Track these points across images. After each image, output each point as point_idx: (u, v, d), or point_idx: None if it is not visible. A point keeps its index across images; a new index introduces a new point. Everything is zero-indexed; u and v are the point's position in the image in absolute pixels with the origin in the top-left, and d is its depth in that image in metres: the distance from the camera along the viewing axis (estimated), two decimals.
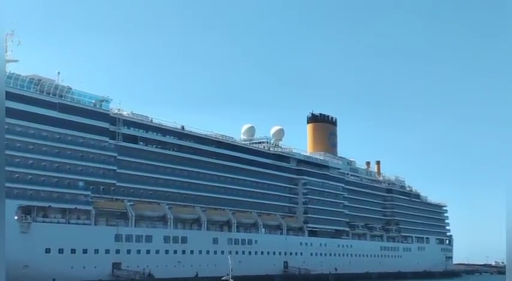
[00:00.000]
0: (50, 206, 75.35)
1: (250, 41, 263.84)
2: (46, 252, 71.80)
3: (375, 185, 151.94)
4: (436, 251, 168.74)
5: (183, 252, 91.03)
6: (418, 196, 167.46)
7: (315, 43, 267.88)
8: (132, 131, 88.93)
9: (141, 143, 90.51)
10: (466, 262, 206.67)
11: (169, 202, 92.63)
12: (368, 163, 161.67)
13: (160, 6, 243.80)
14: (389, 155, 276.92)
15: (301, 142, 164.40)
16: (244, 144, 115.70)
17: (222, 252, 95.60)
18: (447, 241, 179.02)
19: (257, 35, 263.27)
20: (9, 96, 70.81)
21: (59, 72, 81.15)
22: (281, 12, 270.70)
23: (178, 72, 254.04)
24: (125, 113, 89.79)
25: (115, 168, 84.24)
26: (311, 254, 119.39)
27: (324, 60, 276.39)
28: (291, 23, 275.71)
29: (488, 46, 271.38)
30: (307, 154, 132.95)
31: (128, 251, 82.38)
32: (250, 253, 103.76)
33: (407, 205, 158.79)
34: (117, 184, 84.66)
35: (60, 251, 73.46)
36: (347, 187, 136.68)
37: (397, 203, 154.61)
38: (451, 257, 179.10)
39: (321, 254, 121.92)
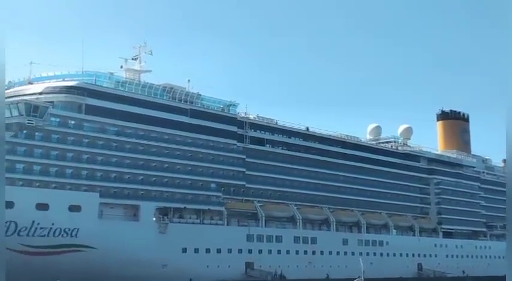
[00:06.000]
0: (185, 207, 78.42)
1: (376, 37, 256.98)
2: (183, 252, 74.29)
3: None
4: None
5: (313, 253, 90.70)
6: None
7: (442, 36, 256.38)
8: (258, 134, 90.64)
9: (267, 145, 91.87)
10: None
11: (297, 203, 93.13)
12: (505, 161, 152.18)
13: (284, 7, 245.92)
14: None
15: (431, 141, 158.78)
16: (370, 144, 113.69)
17: (353, 253, 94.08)
18: None
19: (384, 31, 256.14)
20: (145, 104, 76.67)
21: (189, 80, 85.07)
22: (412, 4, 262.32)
23: (302, 72, 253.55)
24: (251, 116, 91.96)
25: (244, 170, 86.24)
26: (446, 256, 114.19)
27: (453, 54, 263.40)
28: (421, 16, 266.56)
29: None
30: (438, 153, 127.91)
31: (260, 251, 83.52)
32: (381, 254, 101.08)
33: None
34: (247, 185, 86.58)
35: (196, 250, 75.69)
36: (483, 186, 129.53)
37: None
38: None
39: (457, 256, 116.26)
